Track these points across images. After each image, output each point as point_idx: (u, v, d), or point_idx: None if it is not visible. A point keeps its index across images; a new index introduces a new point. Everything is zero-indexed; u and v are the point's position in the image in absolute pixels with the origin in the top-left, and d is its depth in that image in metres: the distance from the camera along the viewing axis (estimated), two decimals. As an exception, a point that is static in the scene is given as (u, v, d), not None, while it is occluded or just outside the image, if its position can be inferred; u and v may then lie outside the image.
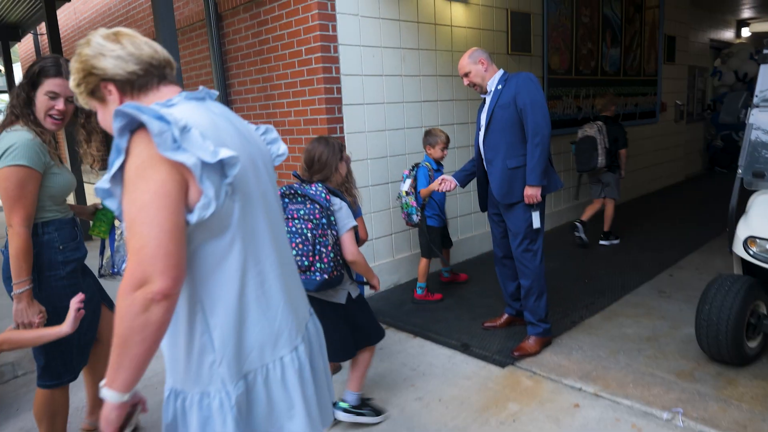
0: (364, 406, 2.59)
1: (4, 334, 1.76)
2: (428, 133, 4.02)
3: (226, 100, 4.88)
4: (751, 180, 3.06)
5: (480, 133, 3.25)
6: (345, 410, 2.55)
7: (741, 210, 3.09)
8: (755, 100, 3.13)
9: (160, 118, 1.02)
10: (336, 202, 2.27)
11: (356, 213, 2.48)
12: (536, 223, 3.10)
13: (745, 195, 3.14)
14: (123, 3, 6.23)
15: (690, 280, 4.33)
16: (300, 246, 2.20)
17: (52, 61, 2.02)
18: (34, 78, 2.00)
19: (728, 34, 11.44)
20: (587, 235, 5.36)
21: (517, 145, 3.07)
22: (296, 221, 2.20)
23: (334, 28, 3.92)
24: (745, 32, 11.80)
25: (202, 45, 5.17)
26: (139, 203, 1.02)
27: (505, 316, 3.58)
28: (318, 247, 2.19)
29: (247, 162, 1.18)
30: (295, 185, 2.26)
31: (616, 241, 5.49)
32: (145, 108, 1.03)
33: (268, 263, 1.22)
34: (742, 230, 2.94)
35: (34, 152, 1.93)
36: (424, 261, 4.07)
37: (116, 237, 2.49)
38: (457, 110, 4.99)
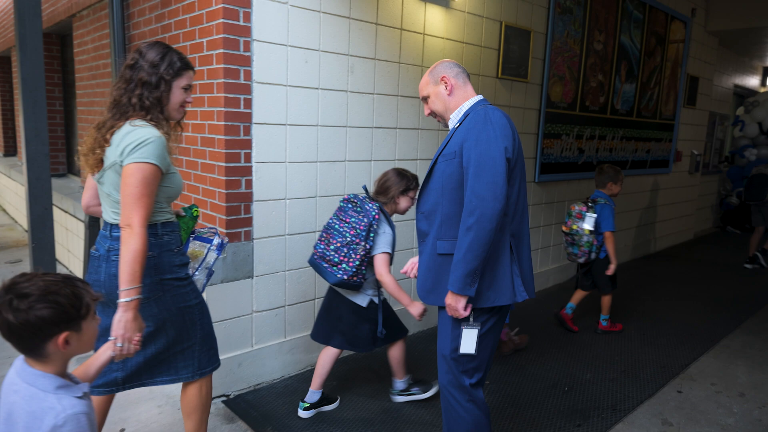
0: (412, 386, 2.98)
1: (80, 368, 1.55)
2: (604, 171, 4.11)
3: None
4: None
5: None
6: (398, 394, 2.96)
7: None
8: None
9: None
10: (384, 228, 2.59)
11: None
12: (466, 346, 1.94)
13: None
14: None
15: (705, 403, 3.20)
16: (337, 244, 2.52)
17: (179, 53, 1.96)
18: (178, 71, 1.93)
19: (754, 81, 10.42)
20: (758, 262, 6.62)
21: (455, 219, 1.95)
22: (345, 224, 2.55)
23: (247, 17, 2.82)
24: (773, 81, 10.79)
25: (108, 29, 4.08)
26: None
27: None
28: (349, 251, 2.49)
29: None
30: (360, 196, 2.64)
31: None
32: None
33: None
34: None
35: (162, 150, 1.83)
36: (607, 297, 4.18)
37: (188, 248, 2.25)
38: (422, 142, 3.89)
